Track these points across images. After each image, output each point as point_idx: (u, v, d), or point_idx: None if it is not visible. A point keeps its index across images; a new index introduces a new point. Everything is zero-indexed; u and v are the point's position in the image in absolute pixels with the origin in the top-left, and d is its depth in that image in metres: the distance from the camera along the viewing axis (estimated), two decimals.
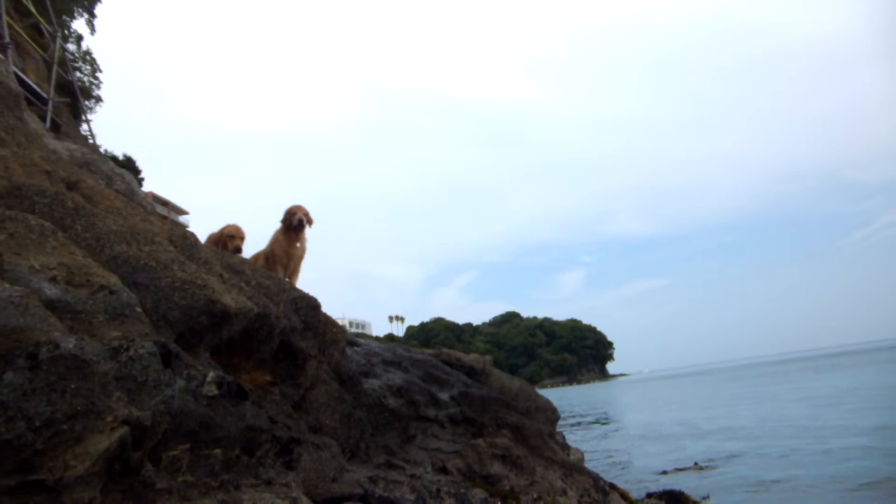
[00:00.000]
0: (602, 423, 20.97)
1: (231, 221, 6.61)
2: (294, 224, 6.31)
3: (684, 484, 8.10)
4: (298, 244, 6.35)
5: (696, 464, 8.75)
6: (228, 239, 6.41)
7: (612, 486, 6.73)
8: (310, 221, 6.42)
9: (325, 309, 4.88)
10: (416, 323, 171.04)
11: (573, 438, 14.10)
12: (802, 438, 10.89)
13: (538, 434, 6.23)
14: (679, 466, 8.70)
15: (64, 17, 25.61)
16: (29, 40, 19.40)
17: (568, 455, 7.66)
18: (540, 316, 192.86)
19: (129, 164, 31.76)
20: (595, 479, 6.23)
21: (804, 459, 8.80)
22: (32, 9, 19.18)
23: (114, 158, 28.29)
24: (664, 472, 8.32)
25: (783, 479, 8.06)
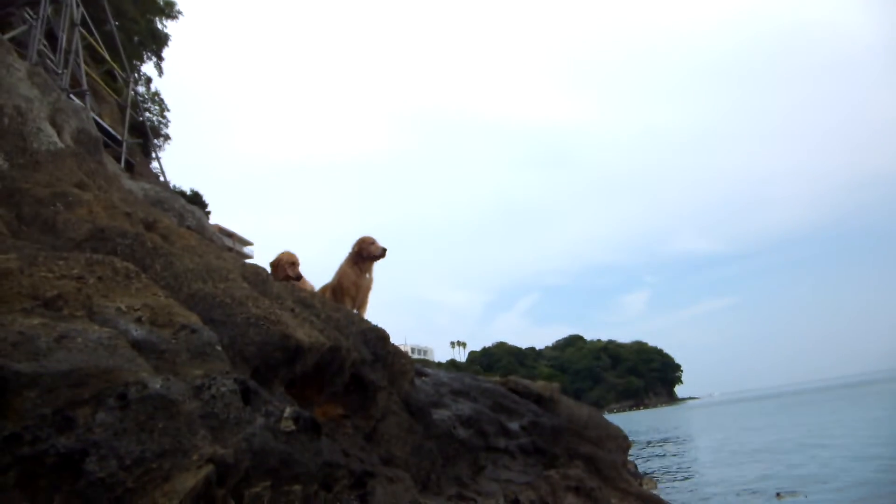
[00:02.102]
0: (674, 450, 20.32)
1: (288, 249, 6.73)
2: (376, 255, 6.35)
3: None
4: (367, 275, 6.39)
5: (777, 494, 8.39)
6: (289, 266, 6.52)
7: None
8: (383, 252, 6.47)
9: None
10: (477, 348, 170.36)
11: (645, 466, 13.68)
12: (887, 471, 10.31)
13: (612, 465, 6.08)
14: (759, 496, 8.34)
15: (134, 61, 26.91)
16: (104, 86, 20.49)
17: (641, 485, 7.45)
18: (604, 338, 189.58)
19: (196, 199, 32.90)
20: None
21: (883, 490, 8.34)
22: (107, 56, 20.23)
23: (182, 194, 29.35)
24: (745, 501, 7.99)
25: None
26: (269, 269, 6.67)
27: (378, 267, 6.53)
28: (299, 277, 6.60)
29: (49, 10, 15.20)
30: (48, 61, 14.61)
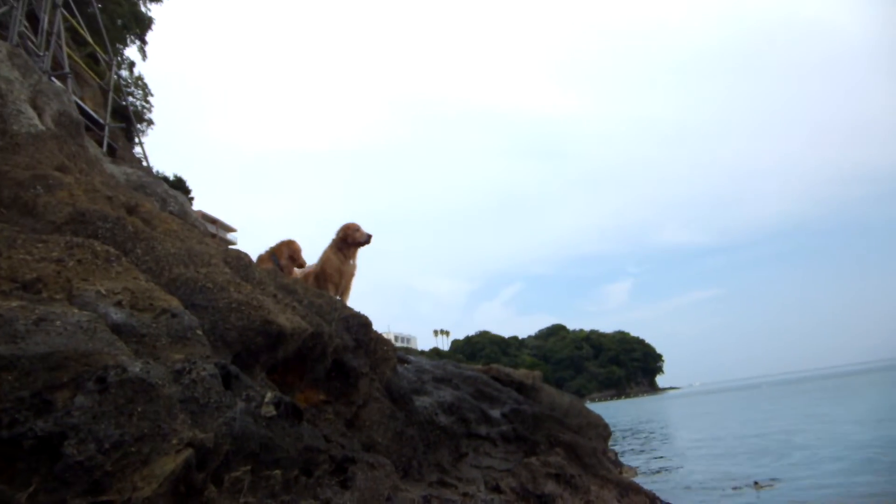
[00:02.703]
0: (654, 439, 20.53)
1: (280, 237, 6.75)
2: (361, 242, 6.35)
3: (744, 502, 7.88)
4: (351, 262, 6.37)
5: (756, 483, 8.51)
6: (297, 254, 6.58)
7: None
8: (368, 239, 6.46)
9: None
10: (461, 336, 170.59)
11: (625, 454, 13.84)
12: (861, 453, 10.49)
13: (592, 452, 6.13)
14: (737, 485, 8.45)
15: (117, 45, 26.54)
16: (86, 69, 20.18)
17: (621, 473, 7.53)
18: (587, 328, 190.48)
19: (179, 185, 32.62)
20: (652, 498, 6.09)
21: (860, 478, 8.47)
22: (89, 38, 19.93)
23: (165, 179, 29.10)
24: (723, 491, 8.09)
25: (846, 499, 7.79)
26: (264, 256, 6.66)
27: (362, 254, 6.52)
28: (303, 265, 6.64)
29: None
30: (29, 43, 14.37)
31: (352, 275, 6.36)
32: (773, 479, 8.81)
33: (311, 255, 6.78)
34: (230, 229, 53.44)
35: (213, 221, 47.75)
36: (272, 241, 6.85)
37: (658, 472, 11.62)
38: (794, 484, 8.75)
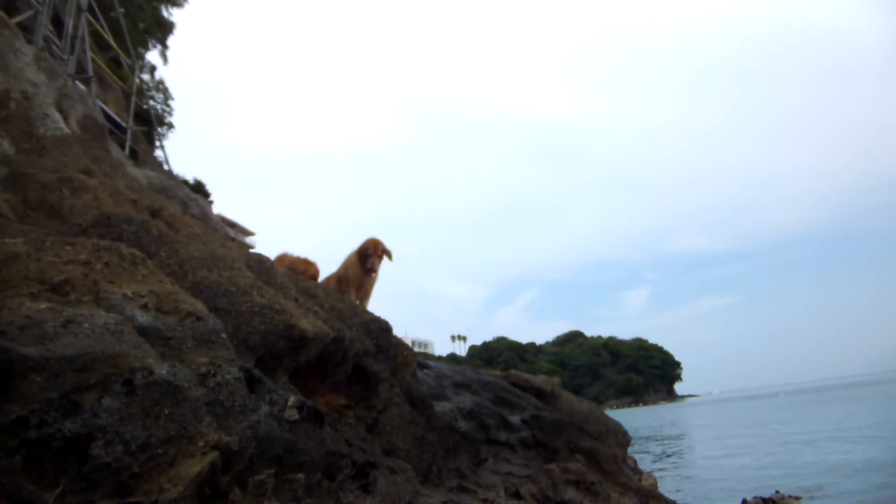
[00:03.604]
0: (674, 446, 20.34)
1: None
2: (367, 267, 6.12)
3: None
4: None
5: (777, 492, 8.40)
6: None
7: None
8: (388, 255, 6.25)
9: None
10: (478, 342, 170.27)
11: (644, 462, 13.72)
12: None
13: (612, 459, 6.08)
14: (760, 495, 8.34)
15: (139, 49, 26.85)
16: (109, 73, 20.43)
17: (641, 480, 7.45)
18: (604, 335, 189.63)
19: (199, 188, 32.84)
20: None
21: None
22: (112, 42, 20.18)
23: (186, 183, 29.34)
24: (744, 501, 7.99)
25: None
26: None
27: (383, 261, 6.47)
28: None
29: None
30: (54, 47, 14.57)
31: (374, 280, 6.32)
32: (795, 490, 8.70)
33: (326, 258, 6.72)
34: (249, 233, 53.73)
35: (233, 225, 48.05)
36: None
37: (677, 478, 11.51)
38: (815, 493, 8.64)
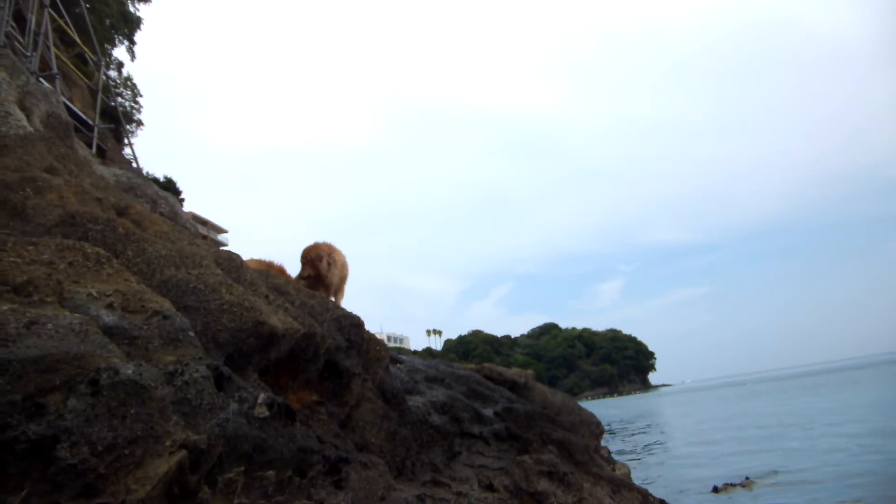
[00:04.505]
0: (646, 436, 20.63)
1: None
2: (301, 273, 5.84)
3: (736, 500, 7.92)
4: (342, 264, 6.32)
5: (747, 478, 8.56)
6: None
7: (663, 503, 6.60)
8: (328, 263, 5.94)
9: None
10: (453, 336, 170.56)
11: (618, 453, 13.89)
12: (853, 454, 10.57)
13: (584, 449, 6.16)
14: (730, 482, 8.51)
15: (106, 45, 26.37)
16: (74, 69, 20.05)
17: (614, 470, 7.55)
18: (579, 327, 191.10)
19: (170, 186, 32.48)
20: (644, 495, 6.12)
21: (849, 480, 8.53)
22: (77, 39, 19.81)
23: (155, 180, 28.96)
24: (715, 488, 8.14)
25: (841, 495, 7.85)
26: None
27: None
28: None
29: None
30: (16, 43, 14.27)
31: (344, 277, 6.32)
32: (763, 474, 8.88)
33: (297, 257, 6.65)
34: (221, 230, 53.19)
35: (204, 223, 47.52)
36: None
37: (650, 466, 11.67)
38: (783, 477, 8.82)
